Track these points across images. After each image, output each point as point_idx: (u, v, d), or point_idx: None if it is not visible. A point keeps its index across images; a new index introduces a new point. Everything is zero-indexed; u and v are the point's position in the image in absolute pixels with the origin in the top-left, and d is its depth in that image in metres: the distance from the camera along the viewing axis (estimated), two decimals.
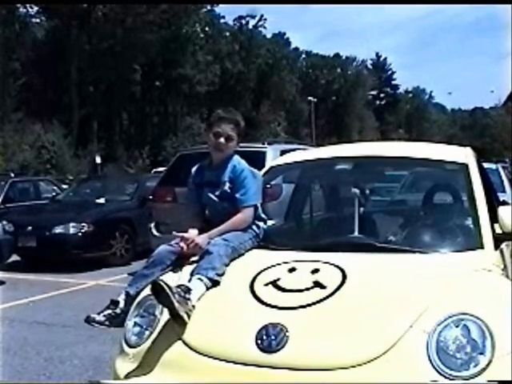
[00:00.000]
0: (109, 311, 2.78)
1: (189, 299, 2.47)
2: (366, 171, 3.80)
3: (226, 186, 3.02)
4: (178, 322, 2.42)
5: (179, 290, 2.48)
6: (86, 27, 38.97)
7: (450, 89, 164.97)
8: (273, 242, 3.05)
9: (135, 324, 2.58)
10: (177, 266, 2.83)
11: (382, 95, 76.44)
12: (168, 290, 2.41)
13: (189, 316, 2.44)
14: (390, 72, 77.71)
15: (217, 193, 3.04)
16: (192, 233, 2.89)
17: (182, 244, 2.84)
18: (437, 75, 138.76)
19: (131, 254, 9.67)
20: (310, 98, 50.19)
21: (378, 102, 76.96)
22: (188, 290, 2.51)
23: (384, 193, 6.64)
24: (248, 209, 2.98)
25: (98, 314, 2.78)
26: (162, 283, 2.44)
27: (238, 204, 2.97)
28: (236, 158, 3.11)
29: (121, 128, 45.43)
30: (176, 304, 2.39)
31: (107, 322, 2.75)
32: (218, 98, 43.83)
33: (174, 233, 2.90)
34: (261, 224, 3.07)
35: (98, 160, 31.17)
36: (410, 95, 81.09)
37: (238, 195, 2.98)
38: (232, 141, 3.04)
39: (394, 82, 78.54)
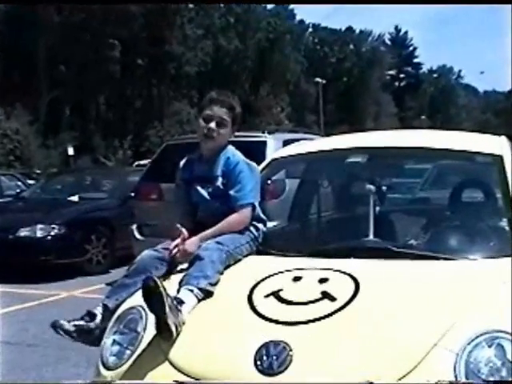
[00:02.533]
0: (81, 322, 2.77)
1: (180, 311, 2.48)
2: (383, 165, 3.81)
3: (219, 182, 3.02)
4: (164, 337, 2.42)
5: (173, 298, 2.49)
6: None
7: (483, 67, 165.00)
8: (274, 246, 3.06)
9: (114, 342, 2.58)
10: (163, 274, 2.84)
11: (401, 75, 76.47)
12: (162, 290, 2.40)
13: (177, 329, 2.43)
14: (411, 48, 77.77)
15: (208, 190, 3.05)
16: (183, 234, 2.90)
17: (172, 247, 2.84)
18: (467, 52, 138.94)
19: (110, 261, 9.66)
20: (317, 79, 50.16)
21: (396, 84, 76.99)
22: (180, 302, 2.52)
23: (403, 190, 6.66)
24: (244, 208, 2.98)
25: (69, 321, 2.77)
26: (157, 280, 2.43)
27: (232, 203, 2.98)
28: (230, 148, 3.11)
29: (97, 114, 45.33)
30: (167, 309, 2.39)
31: (74, 334, 2.74)
32: (211, 79, 43.76)
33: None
34: (260, 226, 3.08)
35: (71, 151, 31.12)
36: (435, 75, 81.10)
37: (232, 192, 2.99)
38: (225, 127, 3.04)
39: (415, 60, 78.65)
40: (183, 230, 2.90)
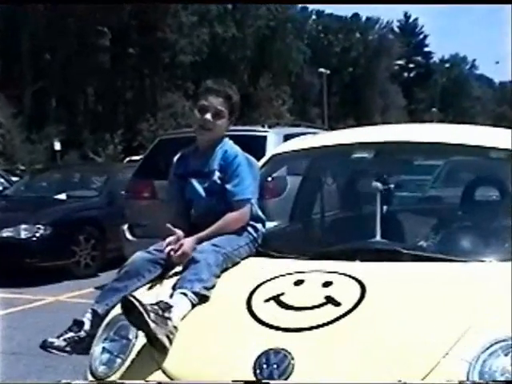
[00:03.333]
0: (71, 334, 2.78)
1: (169, 319, 2.47)
2: (391, 161, 3.81)
3: (216, 177, 3.02)
4: (156, 348, 2.43)
5: (156, 307, 2.48)
6: None
7: (498, 57, 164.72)
8: (275, 247, 3.07)
9: (104, 350, 2.59)
10: (157, 278, 2.84)
11: (411, 65, 76.36)
12: (140, 308, 2.41)
13: (170, 340, 2.44)
14: (421, 36, 77.80)
15: (204, 185, 3.05)
16: (178, 234, 2.91)
17: (167, 249, 2.84)
18: (481, 40, 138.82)
19: (99, 264, 9.67)
20: (321, 69, 50.15)
21: (405, 75, 77.01)
22: (168, 308, 2.51)
23: (413, 187, 6.66)
24: (242, 204, 2.99)
25: (58, 337, 2.78)
26: (133, 299, 2.44)
27: (229, 198, 2.98)
28: (228, 141, 3.12)
29: (85, 106, 45.34)
30: (152, 325, 2.39)
31: (68, 348, 2.76)
32: (207, 69, 43.71)
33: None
34: (258, 226, 3.08)
35: (57, 146, 31.14)
36: (447, 65, 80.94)
37: (229, 187, 2.99)
38: (221, 118, 3.04)
39: (426, 49, 78.71)
40: (176, 230, 2.91)
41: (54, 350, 2.76)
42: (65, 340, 2.77)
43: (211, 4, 47.42)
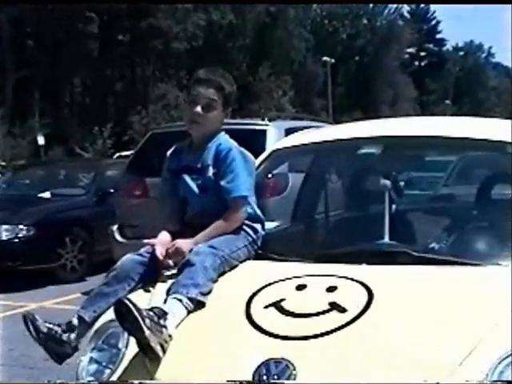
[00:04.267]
0: (57, 328, 2.76)
1: (164, 326, 2.47)
2: (400, 156, 3.82)
3: (210, 172, 3.03)
4: (149, 357, 2.43)
5: (151, 313, 2.48)
6: None
7: None
8: (275, 250, 3.07)
9: (91, 360, 2.59)
10: (148, 282, 2.84)
11: (422, 54, 76.50)
12: (136, 313, 2.41)
13: (164, 349, 2.44)
14: (433, 22, 77.77)
15: (198, 182, 3.05)
16: (164, 236, 2.91)
17: (159, 251, 2.85)
18: (498, 26, 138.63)
19: (86, 267, 9.69)
20: (325, 58, 50.14)
21: (416, 64, 77.01)
22: (163, 315, 2.52)
23: (424, 185, 6.68)
24: (238, 201, 2.99)
25: (45, 321, 2.77)
26: (128, 302, 2.44)
27: (224, 195, 2.99)
28: (223, 135, 3.12)
29: (72, 98, 45.34)
30: (147, 332, 2.39)
31: (42, 335, 2.71)
32: (202, 58, 43.71)
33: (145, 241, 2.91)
34: (257, 227, 3.08)
35: (41, 141, 31.10)
36: (461, 53, 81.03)
37: (223, 183, 3.00)
38: (213, 110, 3.04)
39: (438, 36, 78.63)
40: (163, 232, 2.93)
41: (30, 326, 2.70)
42: (47, 328, 2.73)
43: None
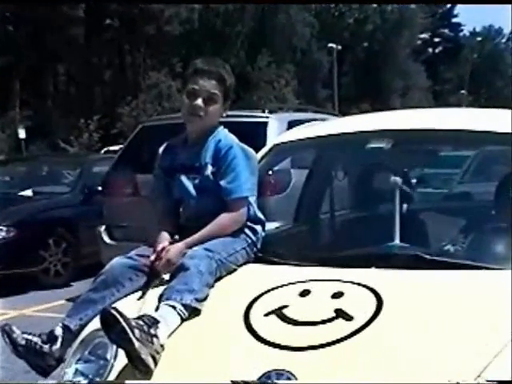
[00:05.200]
0: (35, 339, 2.76)
1: (155, 336, 2.48)
2: (412, 152, 3.82)
3: (208, 171, 3.04)
4: (139, 369, 2.43)
5: (141, 322, 2.49)
6: None
7: None
8: (276, 253, 3.09)
9: (77, 372, 2.60)
10: (139, 288, 2.85)
11: (436, 40, 76.46)
12: (124, 323, 2.42)
13: (155, 360, 2.45)
14: (448, 6, 77.69)
15: (195, 181, 3.06)
16: (164, 239, 2.92)
17: (154, 258, 2.85)
18: None
19: (71, 271, 9.70)
20: (331, 44, 50.14)
21: (430, 50, 76.97)
22: (154, 323, 2.52)
23: (438, 183, 6.68)
24: (238, 203, 3.00)
25: (23, 332, 2.77)
26: (115, 312, 2.45)
27: (224, 196, 2.99)
28: (222, 130, 3.13)
29: (55, 87, 45.32)
30: (136, 343, 2.40)
31: (20, 349, 2.72)
32: (197, 44, 43.76)
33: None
34: (257, 228, 3.09)
35: (23, 134, 31.10)
36: (479, 39, 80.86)
37: (223, 183, 3.00)
38: (214, 103, 3.06)
39: (454, 20, 78.56)
40: (164, 234, 2.93)
41: (6, 339, 2.71)
42: (25, 339, 2.73)
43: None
